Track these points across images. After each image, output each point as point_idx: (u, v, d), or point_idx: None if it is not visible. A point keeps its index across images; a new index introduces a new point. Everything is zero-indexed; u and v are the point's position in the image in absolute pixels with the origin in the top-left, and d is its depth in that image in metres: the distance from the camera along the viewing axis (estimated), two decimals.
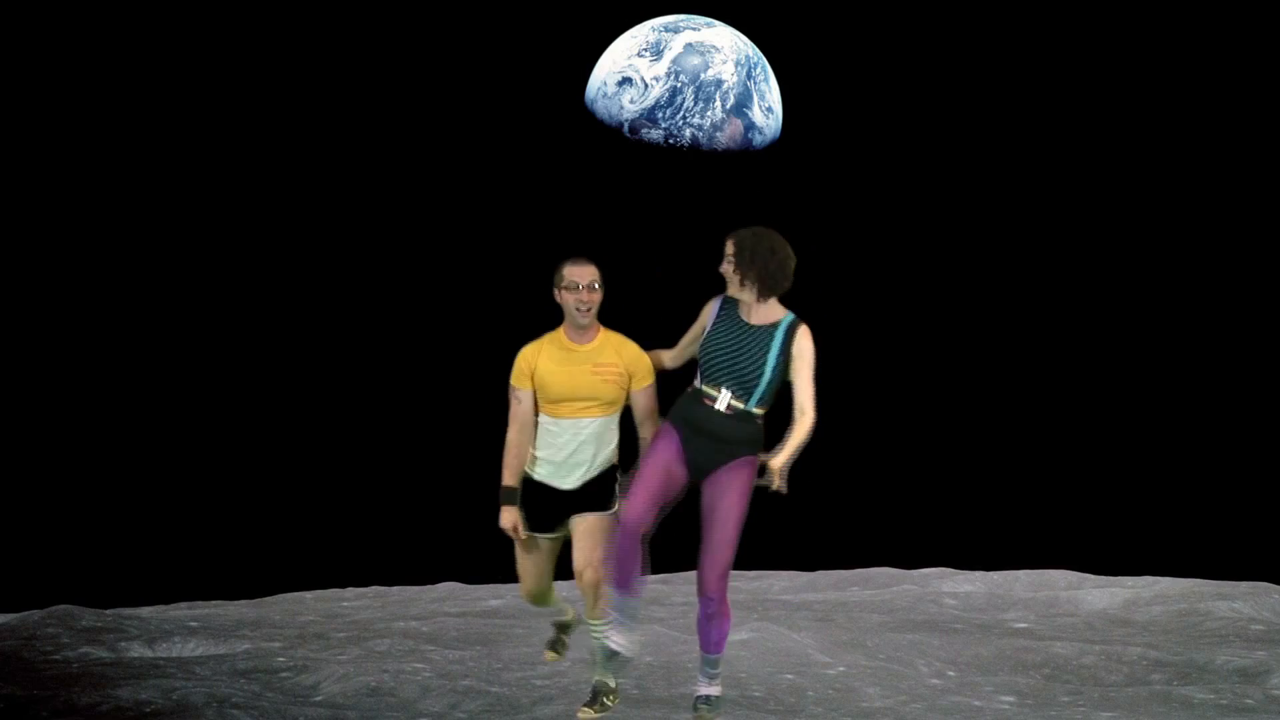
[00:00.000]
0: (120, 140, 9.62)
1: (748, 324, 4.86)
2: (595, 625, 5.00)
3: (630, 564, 4.84)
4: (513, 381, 4.97)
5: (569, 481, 4.95)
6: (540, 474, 4.98)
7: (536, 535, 5.02)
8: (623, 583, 4.84)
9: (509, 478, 4.96)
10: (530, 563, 5.08)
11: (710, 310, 4.93)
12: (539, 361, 4.97)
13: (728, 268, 4.87)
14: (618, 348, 4.97)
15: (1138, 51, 9.62)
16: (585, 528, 4.96)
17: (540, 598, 5.24)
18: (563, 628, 5.41)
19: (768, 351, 4.82)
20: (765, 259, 4.86)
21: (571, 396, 4.94)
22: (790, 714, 5.65)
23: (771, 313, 4.88)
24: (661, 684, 5.93)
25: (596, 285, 4.89)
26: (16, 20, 9.26)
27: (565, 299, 4.90)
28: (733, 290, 4.88)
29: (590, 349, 4.95)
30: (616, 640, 4.93)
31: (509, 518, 4.95)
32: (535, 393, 4.97)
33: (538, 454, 4.99)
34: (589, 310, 4.89)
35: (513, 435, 4.96)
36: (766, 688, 6.01)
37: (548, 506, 4.99)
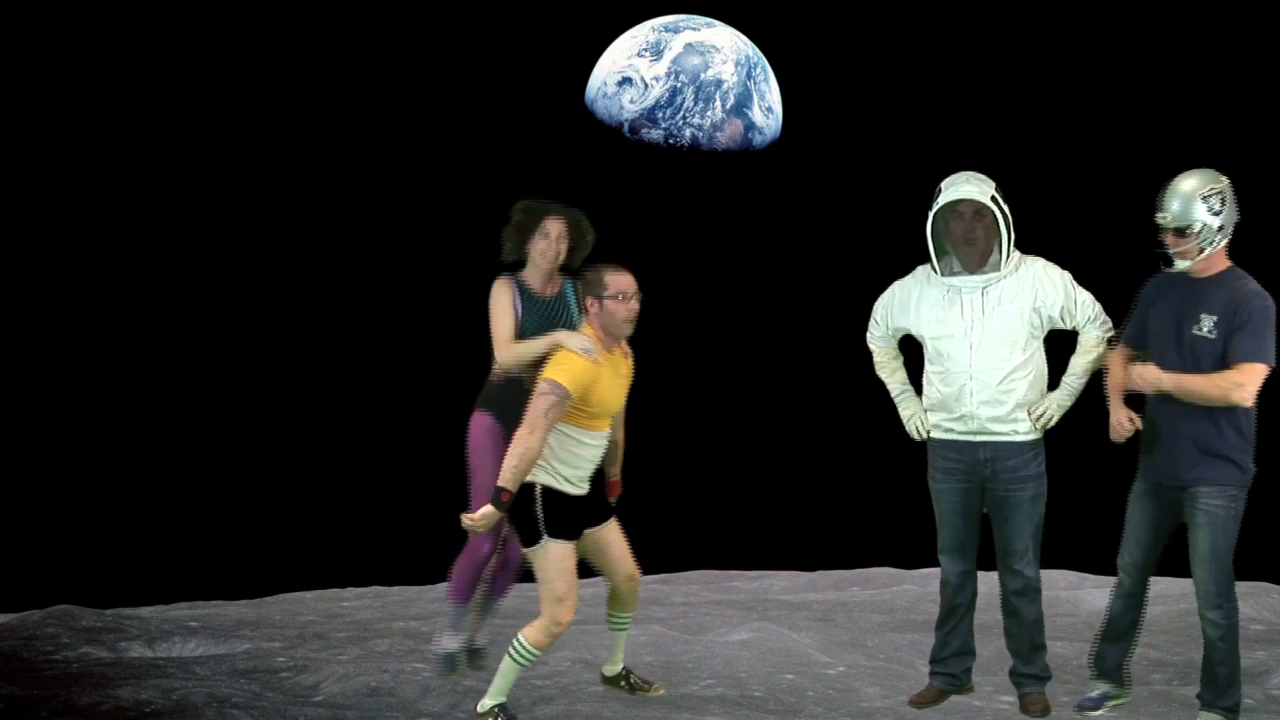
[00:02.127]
0: (120, 140, 9.62)
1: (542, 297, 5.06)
2: (618, 618, 5.15)
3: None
4: (567, 385, 4.65)
5: (583, 488, 4.91)
6: (563, 486, 4.86)
7: (567, 543, 4.84)
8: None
9: (512, 483, 4.62)
10: (570, 574, 4.81)
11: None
12: (601, 377, 4.74)
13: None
14: (625, 352, 4.94)
15: (1138, 49, 9.61)
16: (614, 535, 4.98)
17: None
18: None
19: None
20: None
21: (611, 409, 4.86)
22: (790, 714, 5.65)
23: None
24: (661, 684, 5.93)
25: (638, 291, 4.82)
26: (16, 20, 9.27)
27: (612, 309, 4.73)
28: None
29: (617, 357, 4.89)
30: (448, 644, 5.18)
31: (489, 520, 4.63)
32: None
33: (563, 470, 4.82)
34: (634, 323, 4.80)
35: (538, 441, 4.61)
36: (766, 688, 6.01)
37: (570, 515, 4.89)
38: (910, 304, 5.19)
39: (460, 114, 9.82)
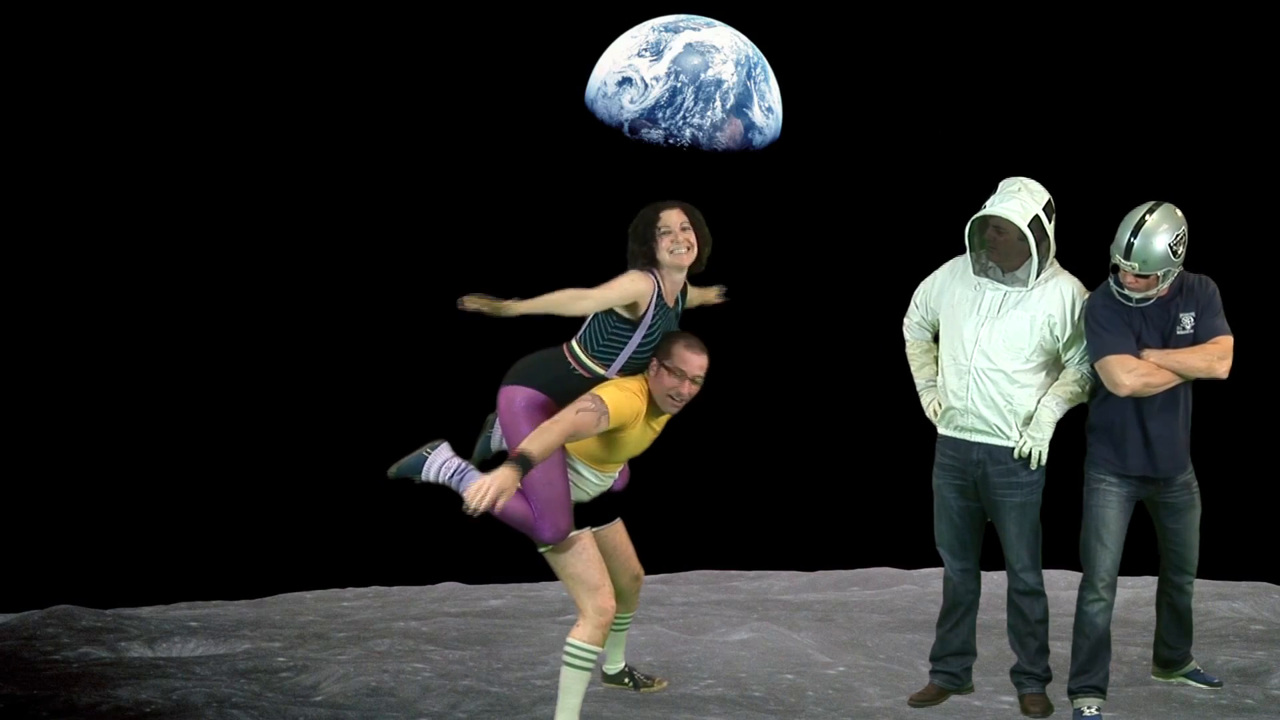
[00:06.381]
0: (120, 140, 9.62)
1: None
2: (620, 618, 5.01)
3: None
4: (610, 411, 4.50)
5: (584, 499, 4.85)
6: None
7: (581, 530, 4.73)
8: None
9: (538, 454, 4.32)
10: (598, 559, 4.69)
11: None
12: (637, 425, 4.62)
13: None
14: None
15: (1136, 49, 9.61)
16: (620, 536, 4.89)
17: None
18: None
19: None
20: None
21: (624, 458, 4.77)
22: (790, 714, 5.66)
23: None
24: (663, 678, 5.94)
25: (701, 380, 4.63)
26: (16, 20, 9.27)
27: (665, 381, 4.59)
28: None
29: (664, 420, 4.76)
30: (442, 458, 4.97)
31: (508, 482, 4.27)
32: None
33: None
34: (681, 404, 4.63)
35: (556, 436, 4.36)
36: (766, 688, 6.01)
37: (576, 510, 4.81)
38: (944, 290, 5.21)
39: (460, 114, 9.82)
